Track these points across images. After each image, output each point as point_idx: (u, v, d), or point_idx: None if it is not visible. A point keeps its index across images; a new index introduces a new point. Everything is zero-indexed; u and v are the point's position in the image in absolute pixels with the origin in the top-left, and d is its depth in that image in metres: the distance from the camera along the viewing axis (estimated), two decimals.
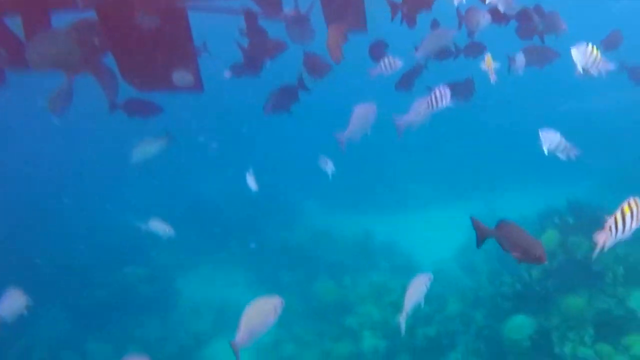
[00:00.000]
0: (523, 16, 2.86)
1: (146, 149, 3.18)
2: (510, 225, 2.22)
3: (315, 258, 6.82)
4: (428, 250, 6.56)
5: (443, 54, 2.97)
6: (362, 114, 2.70)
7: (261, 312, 2.27)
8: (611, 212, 4.13)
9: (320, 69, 2.95)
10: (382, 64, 2.77)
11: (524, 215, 6.46)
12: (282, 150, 10.78)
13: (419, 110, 2.65)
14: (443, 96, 2.58)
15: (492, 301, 4.29)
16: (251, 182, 3.40)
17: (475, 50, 3.01)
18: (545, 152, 2.49)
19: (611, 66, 2.44)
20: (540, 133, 2.43)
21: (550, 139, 2.41)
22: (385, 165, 9.32)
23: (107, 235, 8.12)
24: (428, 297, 5.12)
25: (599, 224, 3.89)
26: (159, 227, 3.22)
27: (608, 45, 2.74)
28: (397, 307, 5.06)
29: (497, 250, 5.88)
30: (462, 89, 3.03)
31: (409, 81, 3.23)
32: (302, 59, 2.98)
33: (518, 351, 3.56)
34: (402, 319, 2.42)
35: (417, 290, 2.62)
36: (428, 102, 2.59)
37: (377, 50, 3.08)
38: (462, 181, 8.55)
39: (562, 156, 2.55)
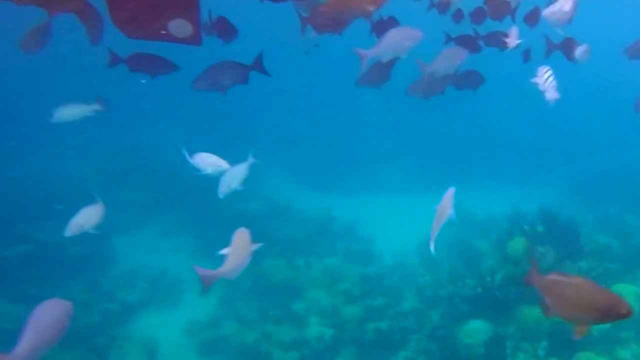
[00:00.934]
0: None
1: (70, 112, 2.84)
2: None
3: (270, 233, 6.52)
4: (390, 239, 6.42)
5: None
6: (401, 35, 2.36)
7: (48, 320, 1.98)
8: (582, 225, 4.05)
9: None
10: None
11: (492, 216, 6.43)
12: (249, 118, 10.28)
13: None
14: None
15: (450, 301, 4.18)
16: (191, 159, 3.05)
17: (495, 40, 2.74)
18: None
19: (557, 96, 2.31)
20: None
21: None
22: (356, 144, 9.08)
23: (41, 184, 7.49)
24: (384, 290, 5.06)
25: (569, 235, 3.83)
26: (210, 162, 2.79)
27: (633, 54, 2.57)
28: (349, 296, 4.93)
29: (460, 246, 5.79)
30: (470, 78, 2.81)
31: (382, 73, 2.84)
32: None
33: (471, 356, 3.46)
34: (432, 239, 2.19)
35: (445, 207, 2.40)
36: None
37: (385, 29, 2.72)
38: (434, 171, 8.45)
39: None
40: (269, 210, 7.09)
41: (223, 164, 2.76)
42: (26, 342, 1.87)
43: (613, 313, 1.66)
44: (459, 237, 5.78)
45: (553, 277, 1.82)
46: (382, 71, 2.75)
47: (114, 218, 7.17)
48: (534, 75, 2.38)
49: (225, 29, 2.96)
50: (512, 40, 2.49)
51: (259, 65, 2.77)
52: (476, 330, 3.50)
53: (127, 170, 7.92)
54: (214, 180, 8.91)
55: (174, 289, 6.11)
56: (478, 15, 2.95)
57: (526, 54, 3.02)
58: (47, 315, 2.01)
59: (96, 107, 2.96)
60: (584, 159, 8.04)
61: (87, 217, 2.96)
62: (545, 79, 2.24)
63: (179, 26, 2.23)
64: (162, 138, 9.44)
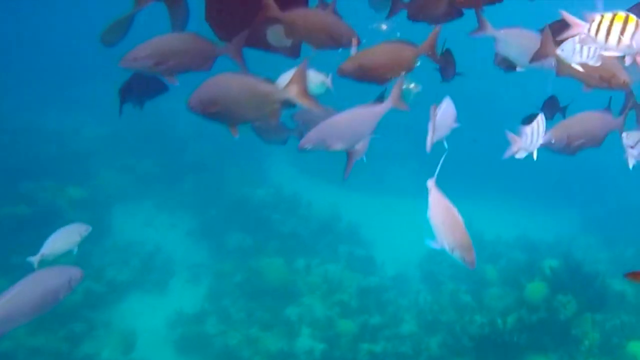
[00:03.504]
0: None
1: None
2: None
3: (271, 226, 6.33)
4: (393, 245, 6.18)
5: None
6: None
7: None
8: (608, 274, 3.76)
9: None
10: None
11: (501, 238, 6.16)
12: None
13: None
14: None
15: (451, 331, 3.99)
16: None
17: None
18: None
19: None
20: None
21: None
22: (370, 140, 8.72)
23: (53, 139, 7.35)
24: (382, 307, 4.86)
25: (593, 286, 3.57)
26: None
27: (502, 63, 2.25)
28: (346, 309, 4.74)
29: (465, 267, 5.57)
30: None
31: None
32: None
33: None
34: (429, 143, 1.91)
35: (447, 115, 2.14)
36: None
37: None
38: (443, 179, 8.09)
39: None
40: (274, 199, 6.87)
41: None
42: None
43: None
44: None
45: None
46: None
47: (117, 184, 7.11)
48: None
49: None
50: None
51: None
52: None
53: (139, 136, 7.75)
54: (221, 157, 8.64)
55: (164, 271, 5.96)
56: None
57: None
58: (43, 282, 1.89)
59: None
60: (603, 190, 7.67)
61: (64, 242, 2.43)
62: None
63: (278, 36, 1.99)
64: (181, 106, 9.18)
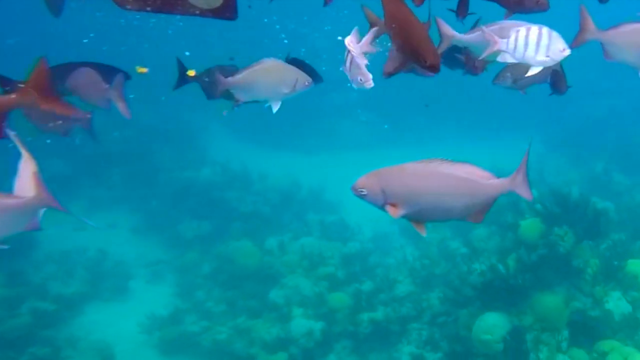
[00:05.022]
0: None
1: None
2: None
3: (228, 206, 5.90)
4: (362, 206, 6.03)
5: None
6: None
7: None
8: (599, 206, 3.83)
9: None
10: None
11: None
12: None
13: None
14: None
15: (449, 283, 3.96)
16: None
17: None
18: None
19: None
20: None
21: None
22: (314, 95, 8.42)
23: None
24: (370, 271, 4.74)
25: (587, 215, 3.65)
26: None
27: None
28: (334, 281, 4.56)
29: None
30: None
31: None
32: None
33: (489, 353, 3.26)
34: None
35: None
36: None
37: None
38: (400, 125, 8.06)
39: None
40: (224, 178, 6.41)
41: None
42: None
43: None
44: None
45: None
46: None
47: None
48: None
49: None
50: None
51: None
52: (493, 325, 3.28)
53: (40, 134, 6.74)
54: (146, 145, 7.90)
55: (118, 276, 5.40)
56: None
57: None
58: None
59: None
60: (560, 110, 7.99)
61: None
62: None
63: None
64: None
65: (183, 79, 2.38)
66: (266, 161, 6.98)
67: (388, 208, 1.58)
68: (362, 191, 1.58)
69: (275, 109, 2.22)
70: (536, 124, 7.93)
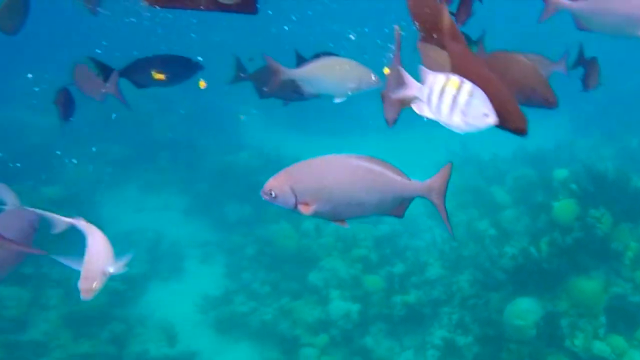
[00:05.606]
0: None
1: None
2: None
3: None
4: None
5: None
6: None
7: None
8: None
9: None
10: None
11: (499, 156, 5.77)
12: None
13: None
14: None
15: (479, 266, 3.71)
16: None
17: None
18: None
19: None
20: None
21: None
22: None
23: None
24: (401, 253, 4.54)
25: (626, 195, 3.24)
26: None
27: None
28: (367, 264, 4.40)
29: (470, 192, 5.17)
30: None
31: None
32: None
33: (520, 339, 3.03)
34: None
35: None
36: None
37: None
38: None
39: None
40: (260, 162, 6.27)
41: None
42: None
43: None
44: (465, 182, 5.18)
45: None
46: None
47: (92, 174, 6.34)
48: None
49: None
50: None
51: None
52: (526, 310, 3.04)
53: (97, 122, 6.80)
54: (189, 129, 7.86)
55: (174, 256, 5.46)
56: None
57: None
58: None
59: None
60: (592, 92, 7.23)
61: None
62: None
63: None
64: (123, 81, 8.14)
65: (238, 77, 2.34)
66: (296, 145, 6.79)
67: (300, 207, 1.38)
68: (272, 194, 1.41)
69: (337, 101, 2.11)
70: (563, 101, 7.24)
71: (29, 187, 5.31)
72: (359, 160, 1.37)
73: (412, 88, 1.24)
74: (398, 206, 1.43)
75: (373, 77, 2.02)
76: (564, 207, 3.21)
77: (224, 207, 5.86)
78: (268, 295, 4.46)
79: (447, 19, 1.34)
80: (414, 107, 1.29)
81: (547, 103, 1.61)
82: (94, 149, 6.46)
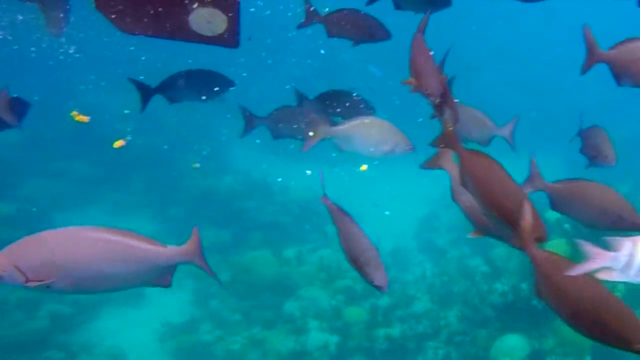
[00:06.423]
0: None
1: None
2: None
3: (249, 216, 5.78)
4: (382, 220, 5.86)
5: None
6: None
7: None
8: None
9: None
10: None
11: None
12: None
13: None
14: None
15: (467, 302, 3.75)
16: None
17: None
18: None
19: None
20: None
21: None
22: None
23: None
24: (390, 288, 4.56)
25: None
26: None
27: None
28: (351, 295, 4.38)
29: (462, 230, 5.29)
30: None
31: None
32: None
33: None
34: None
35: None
36: None
37: None
38: (416, 139, 7.85)
39: None
40: (245, 187, 6.32)
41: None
42: None
43: None
44: (458, 219, 5.32)
45: None
46: None
47: (52, 192, 6.19)
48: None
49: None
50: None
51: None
52: (513, 347, 3.08)
53: (62, 137, 6.75)
54: (169, 148, 7.88)
55: None
56: None
57: None
58: None
59: None
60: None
61: None
62: None
63: (206, 19, 1.39)
64: (104, 99, 8.21)
65: (251, 126, 2.46)
66: (286, 172, 6.87)
67: (31, 284, 1.32)
68: None
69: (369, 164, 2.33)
70: (557, 142, 7.66)
71: None
72: (98, 232, 1.38)
73: (604, 258, 1.16)
74: (161, 276, 1.45)
75: (408, 145, 2.14)
76: (555, 247, 3.34)
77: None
78: (238, 324, 4.37)
79: (531, 217, 1.26)
80: (603, 275, 1.18)
81: (637, 227, 1.66)
82: (57, 165, 6.39)
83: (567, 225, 3.42)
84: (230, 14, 1.48)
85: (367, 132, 2.10)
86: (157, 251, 1.43)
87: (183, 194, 6.43)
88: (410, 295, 4.11)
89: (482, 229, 1.67)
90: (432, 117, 1.75)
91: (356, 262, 1.66)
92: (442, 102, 1.69)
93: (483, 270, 3.96)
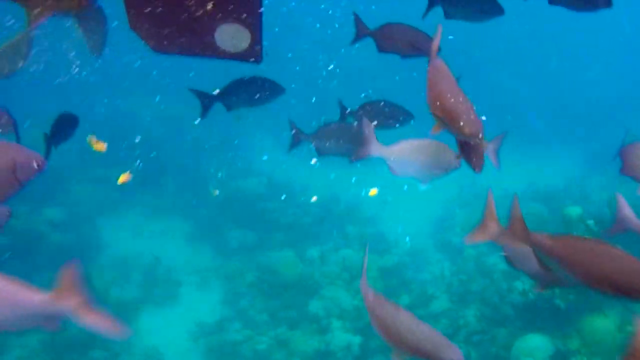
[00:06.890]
0: None
1: None
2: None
3: (271, 217, 5.88)
4: (398, 220, 5.86)
5: None
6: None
7: None
8: None
9: None
10: None
11: (509, 192, 5.89)
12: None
13: None
14: None
15: (486, 300, 3.72)
16: None
17: None
18: None
19: None
20: None
21: None
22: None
23: None
24: (407, 285, 4.56)
25: None
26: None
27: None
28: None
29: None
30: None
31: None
32: None
33: None
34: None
35: None
36: None
37: None
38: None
39: None
40: (268, 189, 6.41)
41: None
42: None
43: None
44: (475, 218, 5.25)
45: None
46: None
47: (96, 197, 6.48)
48: None
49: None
50: None
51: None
52: (535, 347, 3.04)
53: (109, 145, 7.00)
54: (199, 156, 8.13)
55: (170, 282, 5.50)
56: None
57: None
58: None
59: None
60: (600, 125, 7.43)
61: None
62: None
63: (232, 36, 1.45)
64: (140, 106, 8.49)
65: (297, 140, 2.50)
66: (310, 173, 6.93)
67: None
68: None
69: (423, 187, 2.08)
70: (576, 138, 7.43)
71: (32, 210, 5.47)
72: None
73: None
74: (45, 321, 1.38)
75: (456, 162, 2.01)
76: None
77: (226, 233, 5.94)
78: (264, 324, 4.47)
79: None
80: None
81: None
82: (100, 172, 6.66)
83: (591, 222, 3.33)
84: (253, 30, 1.51)
85: (420, 155, 1.98)
86: (31, 299, 1.34)
87: (211, 196, 6.61)
88: (429, 294, 4.11)
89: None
90: (457, 157, 1.70)
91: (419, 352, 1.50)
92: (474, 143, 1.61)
93: (502, 269, 3.92)
